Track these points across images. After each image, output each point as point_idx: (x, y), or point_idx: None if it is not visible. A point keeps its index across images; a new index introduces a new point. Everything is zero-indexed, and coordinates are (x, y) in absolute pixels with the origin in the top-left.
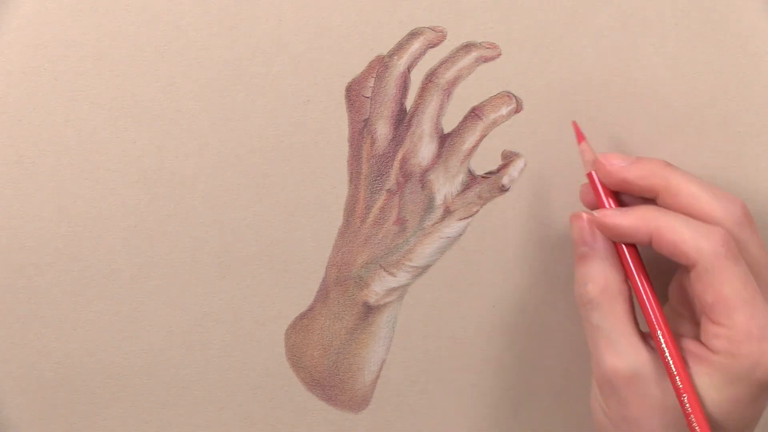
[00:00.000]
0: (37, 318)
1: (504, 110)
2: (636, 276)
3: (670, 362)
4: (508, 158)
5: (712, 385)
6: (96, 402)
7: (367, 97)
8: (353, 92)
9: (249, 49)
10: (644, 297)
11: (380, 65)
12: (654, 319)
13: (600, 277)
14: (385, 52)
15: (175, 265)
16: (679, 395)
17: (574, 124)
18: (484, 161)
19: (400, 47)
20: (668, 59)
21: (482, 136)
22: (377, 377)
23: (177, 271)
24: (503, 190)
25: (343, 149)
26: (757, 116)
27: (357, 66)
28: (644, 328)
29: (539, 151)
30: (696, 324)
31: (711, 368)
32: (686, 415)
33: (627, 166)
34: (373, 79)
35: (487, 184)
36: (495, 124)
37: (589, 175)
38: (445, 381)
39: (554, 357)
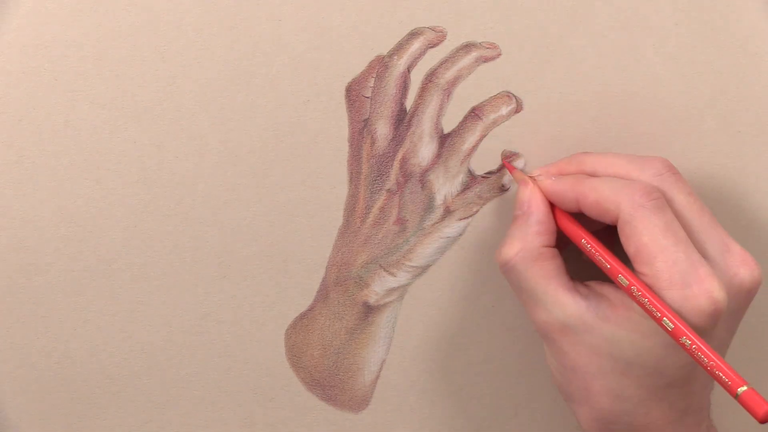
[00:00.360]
0: (37, 318)
1: (504, 110)
2: (584, 235)
3: (646, 303)
4: (508, 158)
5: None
6: (96, 402)
7: (367, 97)
8: (353, 92)
9: (249, 49)
10: (589, 245)
11: (380, 65)
12: (602, 255)
13: (517, 240)
14: (385, 52)
15: (175, 265)
16: (659, 321)
17: (505, 161)
18: (484, 161)
19: (400, 47)
20: (668, 59)
21: (482, 136)
22: (377, 377)
23: (177, 271)
24: (503, 190)
25: (343, 149)
26: (757, 116)
27: (357, 66)
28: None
29: (539, 151)
30: None
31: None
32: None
33: (546, 167)
34: (373, 79)
35: (487, 184)
36: (495, 124)
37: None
38: (445, 381)
39: None
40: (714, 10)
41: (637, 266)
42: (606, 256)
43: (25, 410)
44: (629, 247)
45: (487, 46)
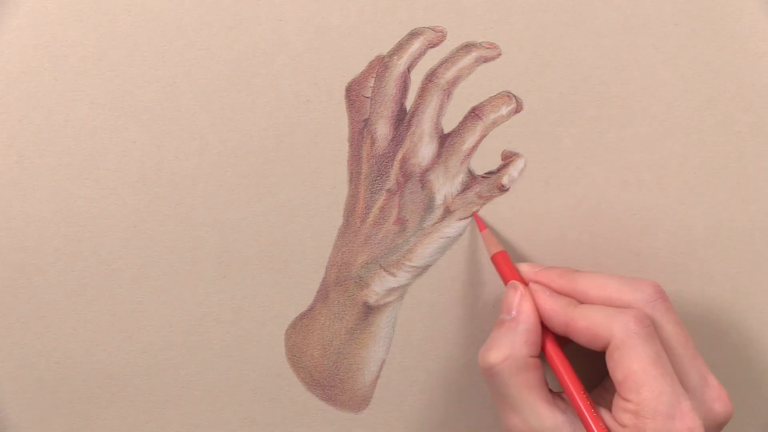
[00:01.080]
0: (37, 318)
1: (504, 110)
2: (554, 353)
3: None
4: (508, 158)
5: None
6: (96, 402)
7: (367, 97)
8: (353, 92)
9: (249, 49)
10: (561, 370)
11: (380, 65)
12: (571, 388)
13: (504, 347)
14: (385, 52)
15: (175, 265)
16: None
17: (475, 215)
18: (484, 161)
19: (400, 47)
20: (668, 59)
21: (482, 136)
22: (377, 377)
23: (177, 271)
24: (503, 190)
25: (343, 149)
26: (757, 116)
27: (357, 66)
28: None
29: (539, 151)
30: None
31: None
32: None
33: (535, 273)
34: (373, 79)
35: (487, 184)
36: (495, 124)
37: (495, 259)
38: (445, 381)
39: None
40: (714, 10)
41: (623, 393)
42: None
43: (25, 410)
44: (617, 373)
45: (487, 46)
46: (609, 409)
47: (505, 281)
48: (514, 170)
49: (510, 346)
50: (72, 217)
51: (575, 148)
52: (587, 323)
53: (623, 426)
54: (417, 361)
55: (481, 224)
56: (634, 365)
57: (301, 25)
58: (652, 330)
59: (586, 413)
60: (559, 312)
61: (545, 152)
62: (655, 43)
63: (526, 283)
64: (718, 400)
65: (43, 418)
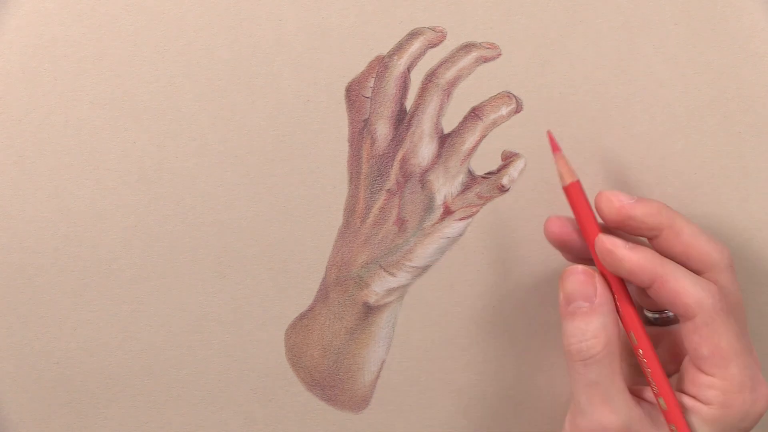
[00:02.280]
0: (37, 318)
1: (504, 110)
2: (639, 327)
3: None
4: (508, 158)
5: None
6: (96, 402)
7: (367, 97)
8: (353, 92)
9: (249, 49)
10: (648, 349)
11: (380, 65)
12: (658, 374)
13: (602, 333)
14: (385, 52)
15: (175, 265)
16: None
17: (549, 133)
18: (484, 161)
19: (400, 47)
20: (668, 59)
21: (482, 136)
22: (377, 377)
23: (177, 271)
24: (503, 190)
25: (343, 149)
26: (757, 116)
27: (357, 66)
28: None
29: (539, 151)
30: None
31: (701, 419)
32: None
33: (633, 203)
34: (373, 79)
35: (487, 184)
36: (495, 124)
37: (572, 189)
38: (445, 381)
39: (554, 357)
40: (714, 10)
41: (707, 368)
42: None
43: (25, 410)
44: (703, 348)
45: (487, 46)
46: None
47: (580, 220)
48: (514, 170)
49: (606, 331)
50: (72, 217)
51: (575, 148)
52: (677, 287)
53: (708, 404)
54: (417, 361)
55: (556, 145)
56: (722, 341)
57: (301, 25)
58: (728, 304)
59: (671, 395)
60: (647, 267)
61: (545, 152)
62: (655, 43)
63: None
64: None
65: (43, 418)
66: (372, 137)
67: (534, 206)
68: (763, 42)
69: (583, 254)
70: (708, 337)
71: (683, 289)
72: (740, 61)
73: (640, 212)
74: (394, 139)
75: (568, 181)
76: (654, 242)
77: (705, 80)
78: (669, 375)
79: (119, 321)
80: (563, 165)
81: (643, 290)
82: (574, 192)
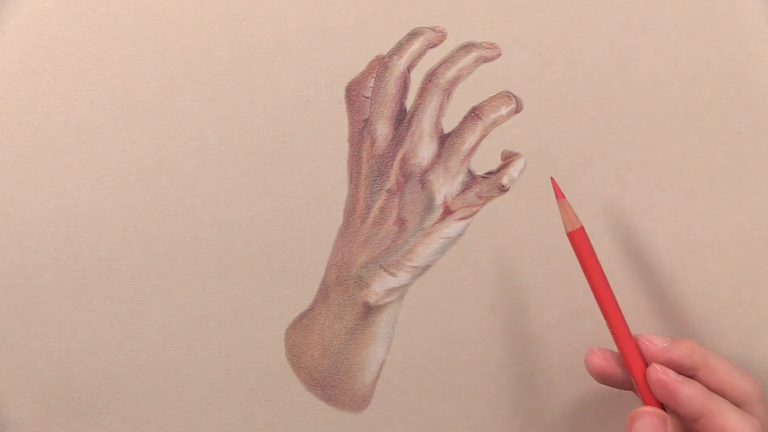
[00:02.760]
0: (37, 318)
1: (504, 110)
2: None
3: None
4: (508, 158)
5: None
6: (96, 402)
7: (367, 97)
8: (353, 92)
9: (249, 49)
10: None
11: (380, 65)
12: None
13: None
14: (385, 52)
15: (175, 265)
16: None
17: (553, 180)
18: (484, 161)
19: (400, 47)
20: (668, 59)
21: (482, 136)
22: (377, 377)
23: (177, 271)
24: (503, 190)
25: (343, 149)
26: (757, 116)
27: (357, 66)
28: None
29: (539, 151)
30: None
31: None
32: None
33: (669, 347)
34: (373, 79)
35: (487, 184)
36: (495, 124)
37: (576, 236)
38: (445, 381)
39: (554, 357)
40: (714, 10)
41: None
42: None
43: (25, 410)
44: None
45: (487, 46)
46: None
47: (608, 319)
48: (514, 170)
49: None
50: (72, 217)
51: (575, 148)
52: (725, 423)
53: None
54: (417, 361)
55: (559, 192)
56: None
57: (301, 25)
58: None
59: None
60: (697, 402)
61: (545, 152)
62: (655, 43)
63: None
64: None
65: (43, 418)
66: (372, 137)
67: (534, 206)
68: (763, 42)
69: (624, 384)
70: None
71: (731, 425)
72: (740, 61)
73: (678, 354)
74: (394, 139)
75: (570, 228)
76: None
77: (705, 80)
78: None
79: (119, 321)
80: (567, 212)
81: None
82: (578, 238)
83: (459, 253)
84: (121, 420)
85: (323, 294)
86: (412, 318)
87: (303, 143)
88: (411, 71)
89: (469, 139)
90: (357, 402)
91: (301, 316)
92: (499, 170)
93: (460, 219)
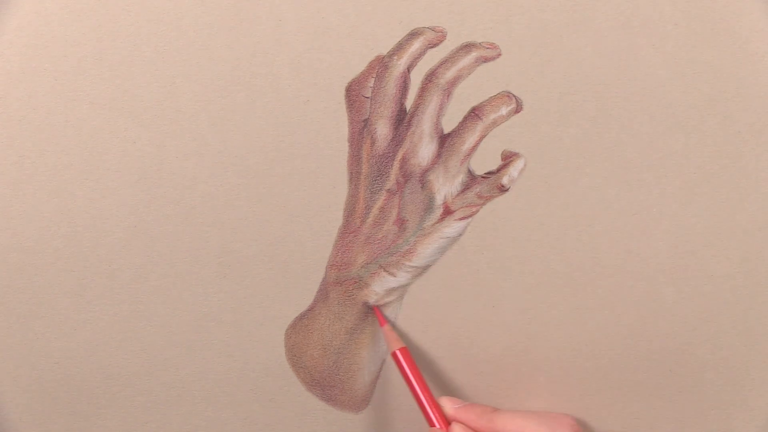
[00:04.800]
0: (37, 318)
1: (504, 110)
2: None
3: None
4: (508, 158)
5: None
6: (96, 402)
7: (367, 97)
8: (353, 92)
9: (249, 49)
10: None
11: (380, 65)
12: None
13: None
14: (385, 52)
15: (175, 265)
16: None
17: (376, 309)
18: (484, 161)
19: (400, 47)
20: (668, 59)
21: (482, 136)
22: (377, 377)
23: (177, 271)
24: (503, 190)
25: (343, 149)
26: (757, 116)
27: (357, 66)
28: None
29: (539, 151)
30: None
31: None
32: None
33: (457, 408)
34: (373, 79)
35: (487, 184)
36: (495, 124)
37: (402, 354)
38: (446, 381)
39: (554, 357)
40: (714, 10)
41: None
42: None
43: (25, 410)
44: None
45: (487, 46)
46: None
47: (424, 411)
48: (514, 170)
49: None
50: (72, 217)
51: (575, 148)
52: None
53: None
54: (417, 361)
55: (382, 319)
56: None
57: (301, 25)
58: None
59: None
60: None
61: (545, 152)
62: (655, 43)
63: (446, 424)
64: None
65: (43, 418)
66: (372, 137)
67: (534, 206)
68: (763, 42)
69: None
70: None
71: None
72: (740, 61)
73: (462, 418)
74: (394, 139)
75: (395, 347)
76: None
77: (705, 80)
78: None
79: (119, 321)
80: (389, 334)
81: None
82: (405, 357)
83: (459, 253)
84: (121, 420)
85: (323, 294)
86: (412, 318)
87: (303, 143)
88: (411, 71)
89: (469, 139)
90: (357, 402)
91: (301, 316)
92: (499, 170)
93: (460, 219)
